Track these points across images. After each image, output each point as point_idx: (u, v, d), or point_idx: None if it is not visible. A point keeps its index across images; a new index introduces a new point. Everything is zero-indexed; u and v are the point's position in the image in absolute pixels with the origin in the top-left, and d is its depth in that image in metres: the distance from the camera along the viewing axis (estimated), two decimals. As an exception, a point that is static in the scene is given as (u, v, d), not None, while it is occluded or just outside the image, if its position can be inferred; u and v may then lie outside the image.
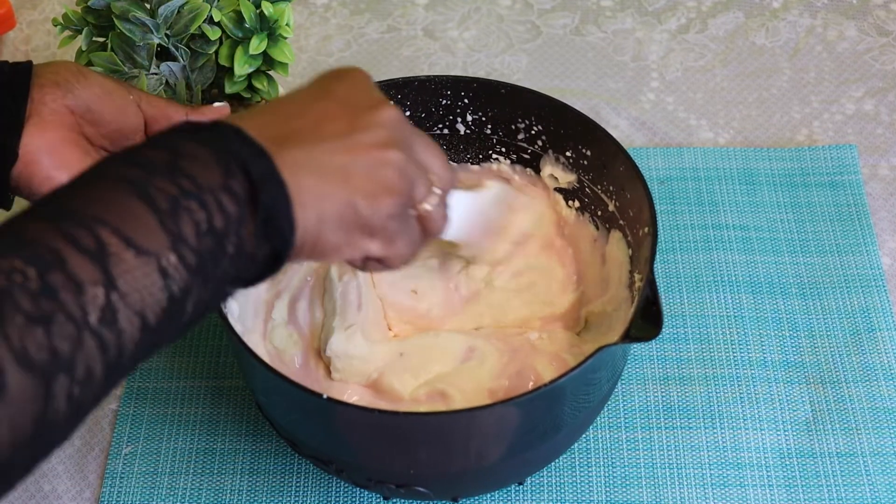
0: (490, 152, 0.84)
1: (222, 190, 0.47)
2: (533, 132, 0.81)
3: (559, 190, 0.82)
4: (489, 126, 0.82)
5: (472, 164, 0.85)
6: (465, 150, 0.84)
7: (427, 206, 0.58)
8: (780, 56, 1.04)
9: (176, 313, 0.46)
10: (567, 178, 0.81)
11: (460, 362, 0.75)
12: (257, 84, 0.82)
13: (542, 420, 0.68)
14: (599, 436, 0.79)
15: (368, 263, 0.57)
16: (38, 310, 0.41)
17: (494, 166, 0.84)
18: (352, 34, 1.08)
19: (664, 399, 0.81)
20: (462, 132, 0.83)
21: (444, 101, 0.81)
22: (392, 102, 0.57)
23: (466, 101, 0.81)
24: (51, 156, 0.67)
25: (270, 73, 0.83)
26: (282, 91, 0.87)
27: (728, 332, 0.84)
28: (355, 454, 0.71)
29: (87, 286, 0.43)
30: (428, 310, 0.79)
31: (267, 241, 0.49)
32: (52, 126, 0.67)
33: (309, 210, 0.50)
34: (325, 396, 0.63)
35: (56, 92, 0.68)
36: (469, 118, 0.82)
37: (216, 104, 0.75)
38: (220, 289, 0.49)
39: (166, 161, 0.47)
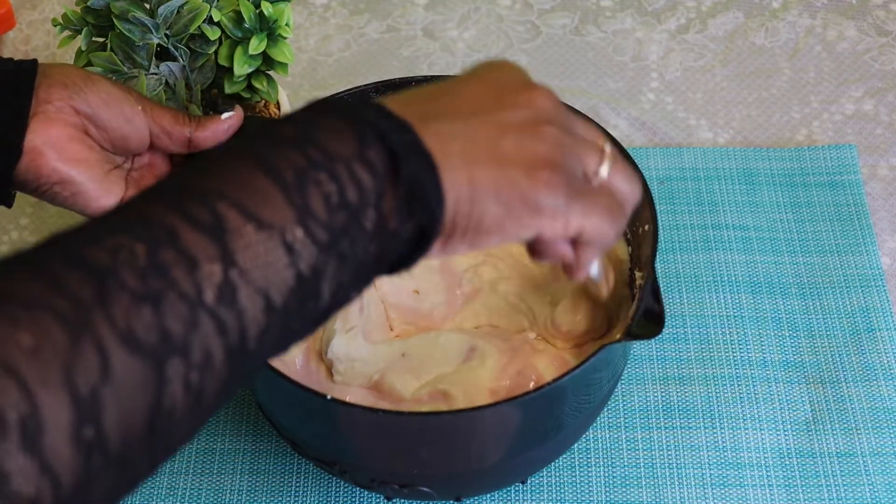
0: (489, 152, 0.84)
1: (357, 159, 0.44)
2: (532, 132, 0.81)
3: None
4: (488, 126, 0.82)
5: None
6: (465, 151, 0.84)
7: (603, 173, 0.53)
8: (779, 56, 1.04)
9: (308, 295, 0.43)
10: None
11: (461, 362, 0.75)
12: (257, 84, 0.82)
13: (544, 419, 0.67)
14: (599, 436, 0.79)
15: (582, 252, 0.53)
16: (146, 288, 0.38)
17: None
18: (351, 34, 1.08)
19: (664, 399, 0.81)
20: (461, 132, 0.83)
21: (443, 101, 0.81)
22: (544, 87, 0.53)
23: (465, 101, 0.81)
24: (56, 150, 0.67)
25: (270, 73, 0.83)
26: (281, 92, 0.87)
27: (728, 332, 0.84)
28: (358, 455, 0.71)
29: (202, 262, 0.39)
30: (430, 310, 0.79)
31: (411, 216, 0.45)
32: (57, 123, 0.67)
33: (459, 174, 0.46)
34: (328, 397, 0.63)
35: (63, 92, 0.68)
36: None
37: (225, 115, 0.74)
38: (364, 271, 0.45)
39: (295, 132, 0.44)
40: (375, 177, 0.44)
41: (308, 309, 0.43)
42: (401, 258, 0.47)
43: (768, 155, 0.95)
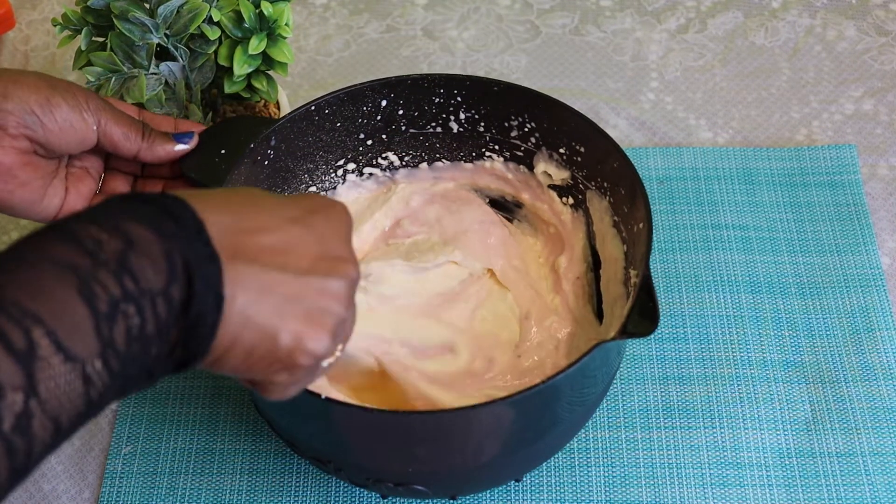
0: (483, 150, 0.84)
1: (161, 295, 0.46)
2: (526, 129, 0.81)
3: (553, 187, 0.82)
4: (482, 124, 0.82)
5: (465, 162, 0.85)
6: (459, 149, 0.84)
7: (328, 361, 0.56)
8: (779, 56, 1.04)
9: (89, 415, 0.45)
10: (561, 175, 0.81)
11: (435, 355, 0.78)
12: (256, 84, 0.82)
13: (539, 417, 0.68)
14: (599, 436, 0.79)
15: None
16: None
17: (487, 164, 0.84)
18: (351, 34, 1.08)
19: (664, 399, 0.81)
20: (455, 130, 0.83)
21: (437, 100, 0.81)
22: (355, 261, 0.55)
23: (459, 98, 0.81)
24: (5, 179, 0.69)
25: (270, 73, 0.83)
26: (281, 92, 0.87)
27: (727, 332, 0.84)
28: (353, 453, 0.71)
29: (7, 391, 0.41)
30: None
31: (185, 349, 0.48)
32: (10, 152, 0.68)
33: (227, 331, 0.49)
34: (322, 396, 0.64)
35: (19, 123, 0.68)
36: (462, 116, 0.82)
37: (179, 146, 0.74)
38: (130, 386, 0.48)
39: (116, 252, 0.45)
40: (171, 311, 0.47)
41: (83, 424, 0.46)
42: (160, 375, 0.49)
43: (768, 155, 0.95)
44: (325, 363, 0.55)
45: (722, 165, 0.94)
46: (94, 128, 0.71)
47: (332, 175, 0.84)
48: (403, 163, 0.85)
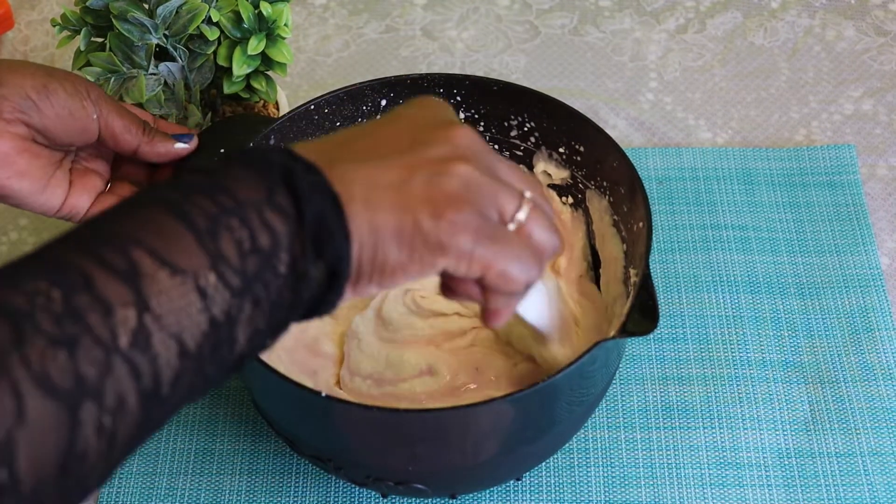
0: (484, 150, 0.84)
1: (266, 204, 0.45)
2: (525, 129, 0.81)
3: (553, 186, 0.82)
4: (482, 123, 0.82)
5: (465, 161, 0.85)
6: (460, 149, 0.84)
7: (521, 217, 0.52)
8: (778, 56, 1.04)
9: (222, 340, 0.44)
10: (560, 175, 0.81)
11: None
12: (256, 84, 0.82)
13: (538, 416, 0.68)
14: (598, 436, 0.79)
15: (488, 296, 0.52)
16: (62, 332, 0.39)
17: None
18: (350, 34, 1.08)
19: (663, 399, 0.81)
20: (456, 130, 0.83)
21: (437, 99, 0.81)
22: (460, 125, 0.52)
23: (458, 98, 0.81)
24: (4, 165, 0.68)
25: (269, 73, 0.83)
26: (280, 92, 0.87)
27: (727, 332, 0.84)
28: (353, 451, 0.71)
29: (116, 308, 0.40)
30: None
31: (320, 257, 0.46)
32: (6, 136, 0.68)
33: (360, 220, 0.47)
34: (323, 394, 0.64)
35: (16, 108, 0.68)
36: (461, 116, 0.82)
37: (179, 144, 0.74)
38: (279, 316, 0.46)
39: (204, 180, 0.45)
40: (287, 221, 0.45)
41: (222, 354, 0.44)
42: (314, 302, 0.47)
43: (767, 155, 0.95)
44: (517, 219, 0.51)
45: (721, 166, 0.94)
46: (94, 117, 0.70)
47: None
48: (402, 163, 0.85)
